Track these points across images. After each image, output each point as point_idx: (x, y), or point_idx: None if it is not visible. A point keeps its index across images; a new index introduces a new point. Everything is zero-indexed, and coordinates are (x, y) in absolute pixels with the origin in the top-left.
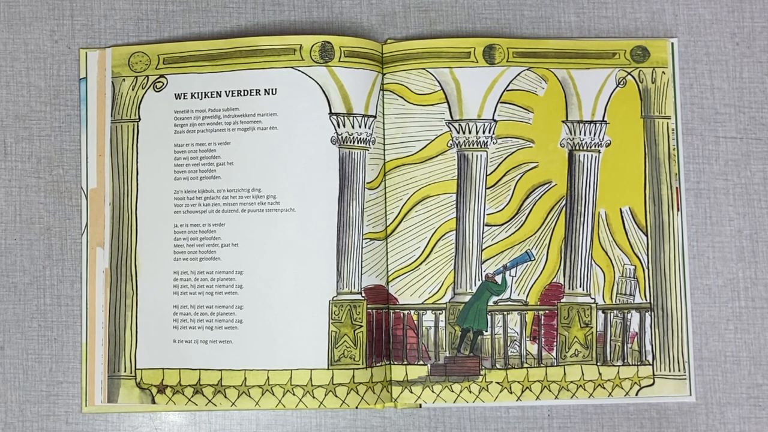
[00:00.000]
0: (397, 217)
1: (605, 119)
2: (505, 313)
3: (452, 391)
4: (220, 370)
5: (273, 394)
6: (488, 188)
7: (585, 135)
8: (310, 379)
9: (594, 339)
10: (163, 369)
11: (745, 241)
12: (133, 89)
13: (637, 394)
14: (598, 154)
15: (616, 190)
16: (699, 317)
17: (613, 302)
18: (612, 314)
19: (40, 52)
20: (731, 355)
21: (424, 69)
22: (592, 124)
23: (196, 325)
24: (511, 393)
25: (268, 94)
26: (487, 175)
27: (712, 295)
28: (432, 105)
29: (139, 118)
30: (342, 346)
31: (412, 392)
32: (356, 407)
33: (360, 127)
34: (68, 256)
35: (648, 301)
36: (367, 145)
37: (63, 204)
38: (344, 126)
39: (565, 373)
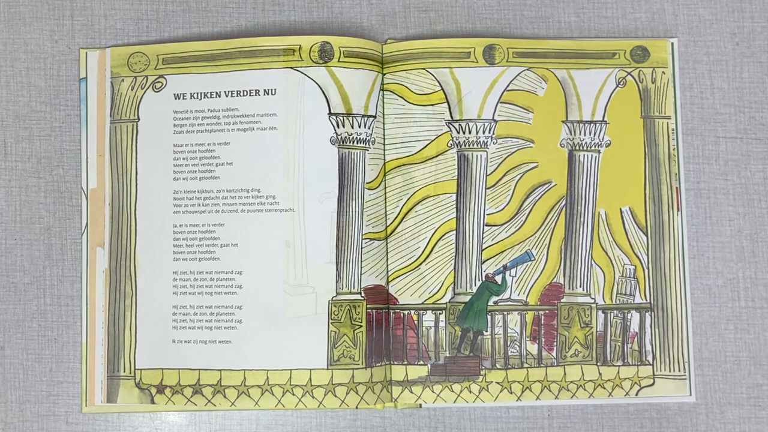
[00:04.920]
0: (397, 217)
1: (605, 119)
2: (505, 313)
3: (452, 391)
4: (220, 370)
5: (272, 394)
6: (488, 188)
7: (585, 135)
8: (310, 379)
9: (594, 339)
10: (162, 369)
11: (745, 241)
12: (132, 89)
13: (637, 394)
14: (598, 154)
15: (616, 190)
16: (699, 317)
17: (613, 302)
18: (612, 314)
19: (40, 52)
20: (731, 355)
21: (424, 69)
22: (592, 124)
23: (195, 325)
24: (511, 393)
25: (268, 94)
26: (487, 175)
27: (712, 295)
28: (432, 105)
29: (138, 119)
30: (341, 346)
31: (412, 392)
32: (356, 407)
33: (359, 127)
34: (68, 256)
35: (648, 301)
36: (367, 145)
37: (63, 204)
38: (343, 126)
39: (565, 373)
